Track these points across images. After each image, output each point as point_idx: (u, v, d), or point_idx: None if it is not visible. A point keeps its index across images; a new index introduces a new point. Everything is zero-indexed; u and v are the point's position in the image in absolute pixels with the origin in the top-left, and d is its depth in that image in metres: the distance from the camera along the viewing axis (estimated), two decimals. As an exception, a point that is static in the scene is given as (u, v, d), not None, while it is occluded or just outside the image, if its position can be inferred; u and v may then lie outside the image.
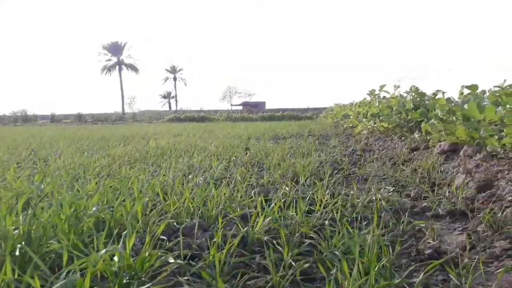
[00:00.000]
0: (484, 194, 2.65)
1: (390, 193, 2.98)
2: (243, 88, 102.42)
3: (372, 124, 7.10)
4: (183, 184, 2.68)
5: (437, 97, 4.70)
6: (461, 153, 3.68)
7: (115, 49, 72.24)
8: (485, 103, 3.70)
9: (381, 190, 3.15)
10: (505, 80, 3.92)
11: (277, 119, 24.60)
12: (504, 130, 2.91)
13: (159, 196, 2.18)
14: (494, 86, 3.82)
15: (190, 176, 2.95)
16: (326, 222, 1.79)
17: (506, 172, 2.89)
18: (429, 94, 5.51)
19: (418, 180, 3.39)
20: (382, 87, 7.55)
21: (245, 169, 3.69)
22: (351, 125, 10.16)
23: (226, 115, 26.77)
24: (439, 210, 2.46)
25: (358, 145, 6.49)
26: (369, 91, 8.10)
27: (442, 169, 3.66)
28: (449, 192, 2.75)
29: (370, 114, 7.11)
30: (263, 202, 2.06)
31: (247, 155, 4.58)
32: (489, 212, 2.15)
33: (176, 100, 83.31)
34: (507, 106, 2.84)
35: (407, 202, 2.67)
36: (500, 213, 2.11)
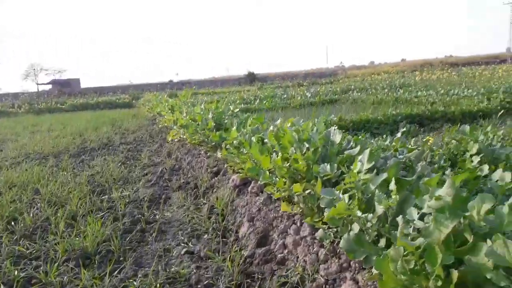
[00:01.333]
0: (261, 251, 2.94)
1: (176, 262, 3.03)
2: (52, 65, 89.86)
3: (182, 135, 7.15)
4: None
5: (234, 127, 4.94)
6: (249, 189, 4.01)
7: None
8: (266, 140, 4.05)
9: (174, 252, 3.19)
10: (282, 121, 4.37)
11: (92, 108, 22.45)
12: (277, 182, 3.23)
13: None
14: (274, 125, 4.20)
15: None
16: None
17: (279, 219, 3.26)
18: (228, 114, 5.81)
19: (211, 228, 3.55)
20: (186, 93, 7.62)
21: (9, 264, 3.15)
22: (166, 125, 10.04)
23: (28, 107, 22.76)
24: (220, 284, 2.61)
25: (168, 161, 6.45)
26: (178, 96, 8.08)
27: (234, 207, 3.93)
28: (230, 255, 2.92)
29: (179, 124, 7.13)
30: None
31: (23, 221, 3.87)
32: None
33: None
34: (278, 165, 3.15)
35: (193, 275, 2.73)
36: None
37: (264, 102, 15.13)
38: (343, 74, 47.27)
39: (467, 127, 4.11)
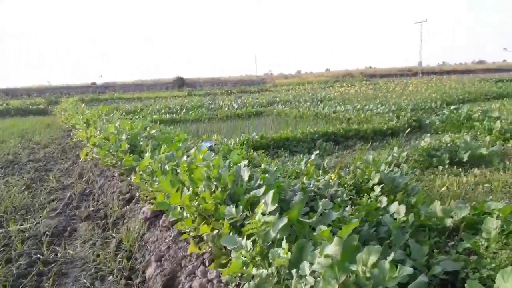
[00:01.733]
0: (166, 296, 2.83)
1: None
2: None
3: (95, 154, 6.73)
4: None
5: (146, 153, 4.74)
6: (160, 222, 3.87)
7: None
8: (179, 170, 3.93)
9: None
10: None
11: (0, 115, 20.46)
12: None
13: None
14: (187, 155, 4.11)
15: None
16: None
17: (188, 259, 3.17)
18: (144, 136, 5.58)
19: (117, 268, 3.35)
20: (102, 109, 7.23)
21: None
22: (81, 139, 9.42)
23: None
24: None
25: (79, 184, 6.04)
26: (91, 113, 7.62)
27: (144, 242, 3.76)
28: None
29: (91, 143, 6.70)
30: None
31: None
32: None
33: None
34: (187, 204, 3.07)
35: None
36: None
37: (191, 112, 14.92)
38: (272, 83, 48.45)
39: (370, 157, 4.38)
